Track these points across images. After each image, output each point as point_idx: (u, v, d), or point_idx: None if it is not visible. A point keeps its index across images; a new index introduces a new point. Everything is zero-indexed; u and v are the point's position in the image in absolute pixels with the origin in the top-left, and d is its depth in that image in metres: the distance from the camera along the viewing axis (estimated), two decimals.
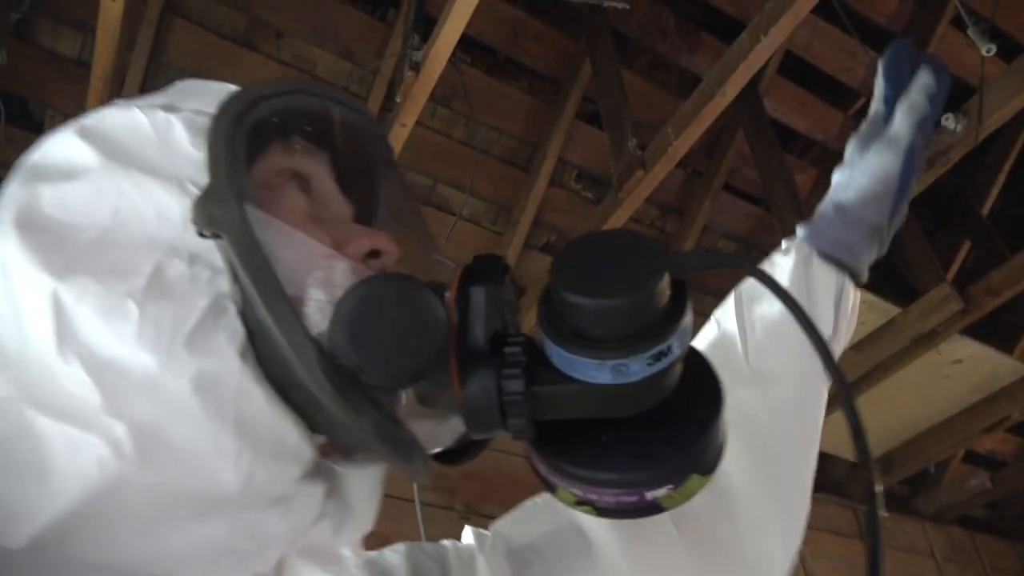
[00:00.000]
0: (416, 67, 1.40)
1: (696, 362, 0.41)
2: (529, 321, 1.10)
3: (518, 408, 0.36)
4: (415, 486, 0.55)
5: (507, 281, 0.40)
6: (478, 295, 0.38)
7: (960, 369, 2.16)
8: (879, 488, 0.34)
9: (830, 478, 2.61)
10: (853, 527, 2.53)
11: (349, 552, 0.43)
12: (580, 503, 0.39)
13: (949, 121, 1.48)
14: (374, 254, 0.43)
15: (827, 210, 0.64)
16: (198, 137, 0.39)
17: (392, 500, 0.46)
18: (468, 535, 0.55)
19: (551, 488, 0.39)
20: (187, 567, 0.34)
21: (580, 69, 2.03)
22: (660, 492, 0.37)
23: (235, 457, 0.34)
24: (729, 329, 0.62)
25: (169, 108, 0.40)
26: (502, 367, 0.36)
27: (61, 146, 0.40)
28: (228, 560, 0.35)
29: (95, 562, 0.33)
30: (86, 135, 0.40)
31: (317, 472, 0.38)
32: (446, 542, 0.54)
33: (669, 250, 0.35)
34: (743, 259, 0.38)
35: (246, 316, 0.35)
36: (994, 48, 1.13)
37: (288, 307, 0.35)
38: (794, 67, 2.16)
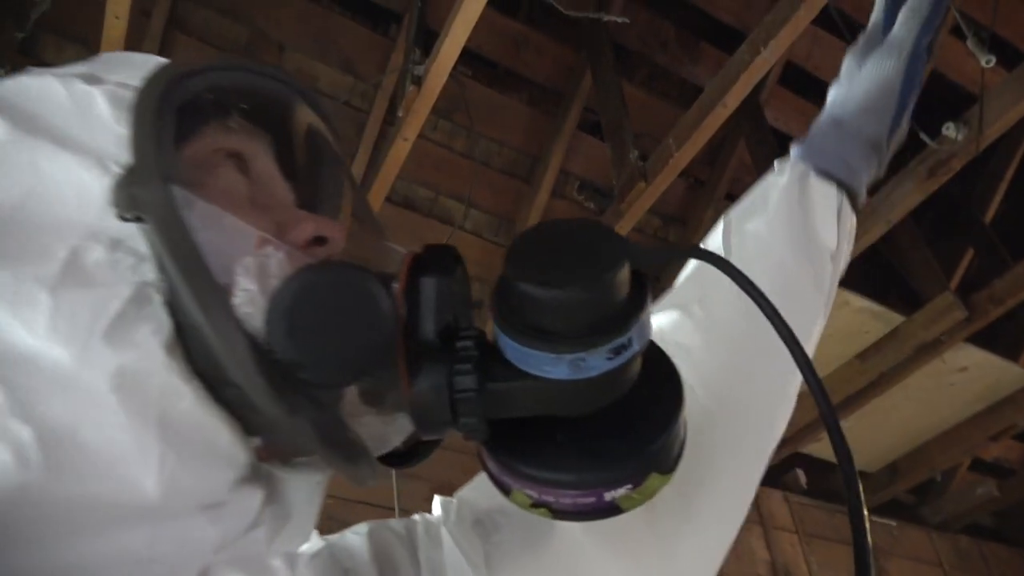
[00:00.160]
0: (418, 81, 1.41)
1: (655, 357, 0.40)
2: None
3: (470, 406, 0.34)
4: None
5: (460, 272, 0.38)
6: (428, 286, 0.35)
7: (965, 377, 2.15)
8: (866, 492, 0.33)
9: (837, 487, 2.60)
10: None
11: (280, 563, 0.41)
12: (535, 505, 0.37)
13: (950, 130, 1.48)
14: (319, 241, 0.40)
15: (823, 125, 0.60)
16: (122, 112, 0.35)
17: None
18: (436, 505, 0.52)
19: (505, 490, 0.38)
20: None
21: (581, 80, 2.03)
22: (619, 492, 0.36)
23: (158, 462, 0.31)
24: (714, 248, 0.58)
25: (90, 79, 0.37)
26: (453, 362, 0.34)
27: None
28: (153, 570, 0.32)
29: None
30: None
31: (254, 477, 0.35)
32: (416, 516, 0.52)
33: (629, 240, 0.34)
34: (705, 251, 0.36)
35: (173, 307, 0.32)
36: (993, 59, 1.14)
37: (219, 297, 0.32)
38: (795, 77, 2.17)
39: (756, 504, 2.40)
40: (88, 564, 0.31)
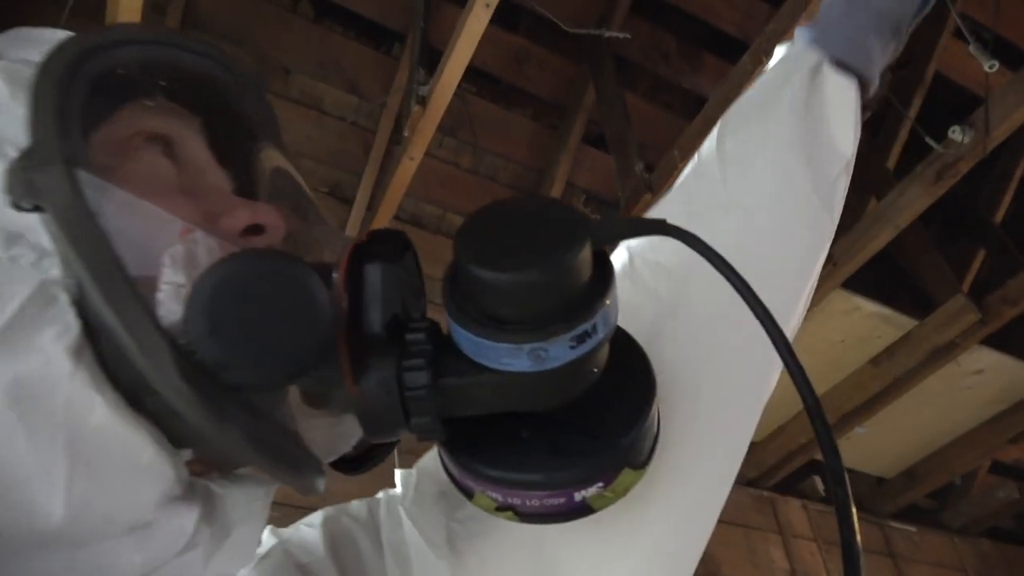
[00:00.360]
0: (422, 101, 1.42)
1: (624, 344, 0.37)
2: None
3: (422, 404, 0.31)
4: None
5: (409, 259, 0.35)
6: (373, 274, 0.32)
7: (981, 380, 2.13)
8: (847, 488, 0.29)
9: (854, 494, 2.57)
10: (879, 543, 2.49)
11: None
12: (501, 508, 0.35)
13: (956, 134, 1.48)
14: (255, 230, 0.36)
15: (837, 3, 0.52)
16: (21, 90, 0.32)
17: None
18: (397, 478, 0.48)
19: (467, 494, 0.35)
20: None
21: (584, 94, 2.04)
22: (590, 491, 0.33)
23: (65, 483, 0.27)
24: (707, 156, 0.52)
25: None
26: (403, 357, 0.31)
27: None
28: None
29: None
30: None
31: (186, 493, 0.32)
32: (380, 493, 0.48)
33: (590, 218, 0.31)
34: (674, 227, 0.32)
35: (82, 307, 0.29)
36: (996, 64, 1.13)
37: (130, 292, 0.28)
38: None
39: (774, 512, 2.38)
40: None
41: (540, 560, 0.43)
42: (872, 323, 1.97)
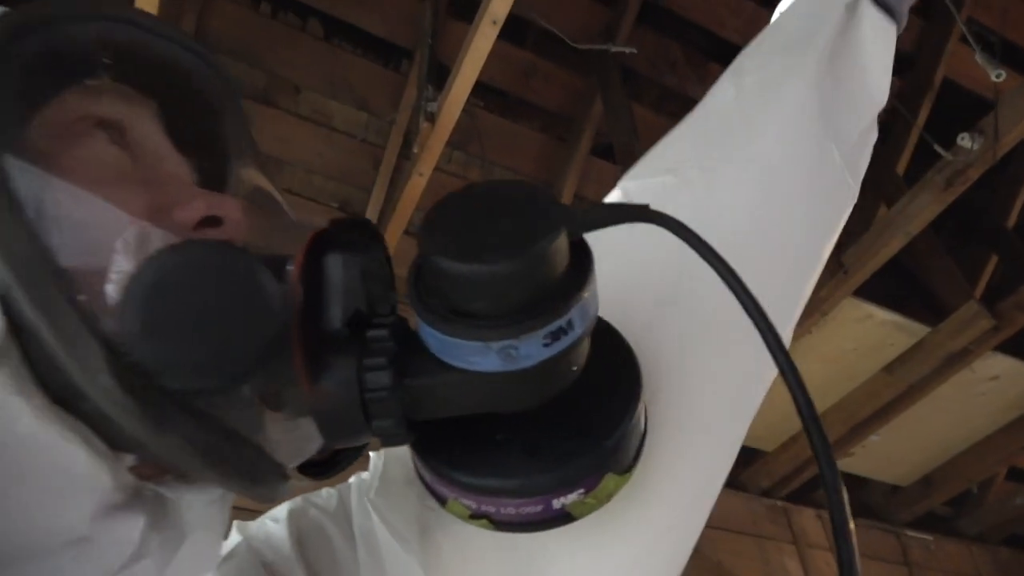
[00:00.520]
0: (431, 118, 1.43)
1: (608, 337, 0.35)
2: None
3: (385, 406, 0.29)
4: None
5: (377, 250, 0.32)
6: (334, 265, 0.30)
7: (996, 386, 2.12)
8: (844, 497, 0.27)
9: (870, 503, 2.56)
10: (896, 552, 2.47)
11: None
12: (474, 516, 0.32)
13: (965, 141, 1.47)
14: (212, 222, 0.34)
15: None
16: None
17: None
18: (372, 458, 0.45)
19: (440, 500, 0.33)
20: None
21: (591, 105, 2.05)
22: (570, 498, 0.31)
23: None
24: (724, 100, 0.48)
25: None
26: (363, 356, 0.29)
27: None
28: None
29: None
30: None
31: (131, 501, 0.29)
32: (353, 478, 0.46)
33: (566, 205, 0.29)
34: (657, 213, 0.29)
35: (7, 304, 0.26)
36: (1004, 74, 1.13)
37: (57, 289, 0.26)
38: None
39: (788, 522, 2.37)
40: None
41: (515, 552, 0.40)
42: (885, 331, 1.96)
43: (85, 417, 0.27)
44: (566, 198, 2.14)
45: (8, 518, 0.26)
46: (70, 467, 0.27)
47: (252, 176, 0.41)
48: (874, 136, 0.48)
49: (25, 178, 0.28)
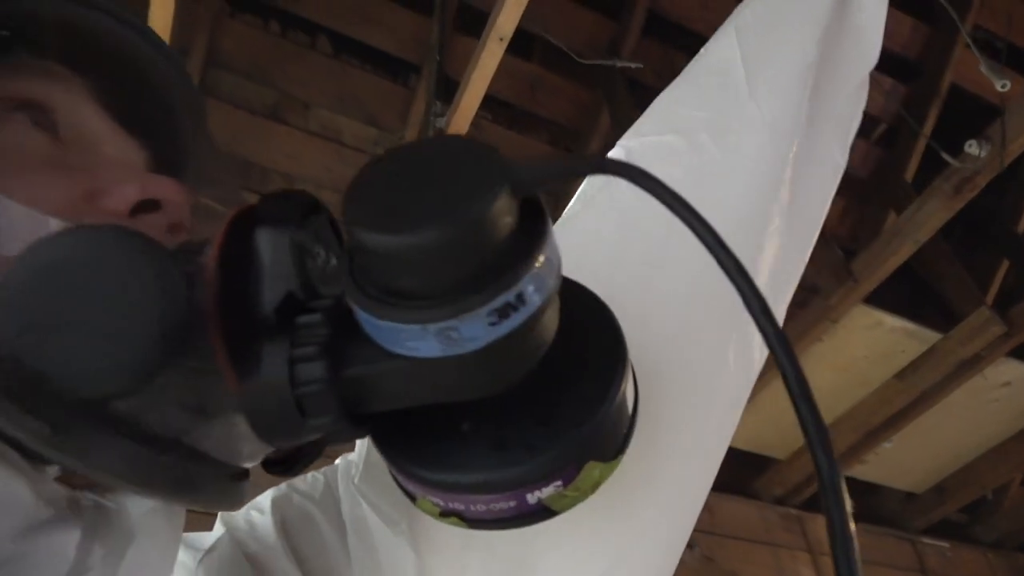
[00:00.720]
0: (440, 133, 1.45)
1: (584, 304, 0.31)
2: None
3: (321, 401, 0.26)
4: None
5: (318, 224, 0.29)
6: (261, 242, 0.27)
7: (1009, 392, 2.10)
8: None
9: (884, 510, 2.55)
10: (911, 560, 2.45)
11: None
12: (444, 514, 0.29)
13: (972, 148, 1.48)
14: (149, 206, 0.31)
15: None
16: None
17: None
18: (357, 444, 0.43)
19: (410, 497, 0.30)
20: None
21: (598, 118, 2.07)
22: (546, 492, 0.28)
23: None
24: (728, 61, 0.46)
25: None
26: (294, 346, 0.26)
27: None
28: None
29: None
30: None
31: (61, 513, 0.27)
32: (339, 460, 0.43)
33: (511, 160, 0.24)
34: (618, 162, 0.24)
35: None
36: (1008, 84, 1.14)
37: None
38: None
39: (802, 530, 2.36)
40: None
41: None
42: (896, 338, 1.96)
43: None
44: None
45: None
46: None
47: (203, 156, 0.39)
48: (865, 94, 0.47)
49: None
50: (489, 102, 2.09)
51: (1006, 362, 1.99)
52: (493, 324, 0.24)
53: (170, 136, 0.37)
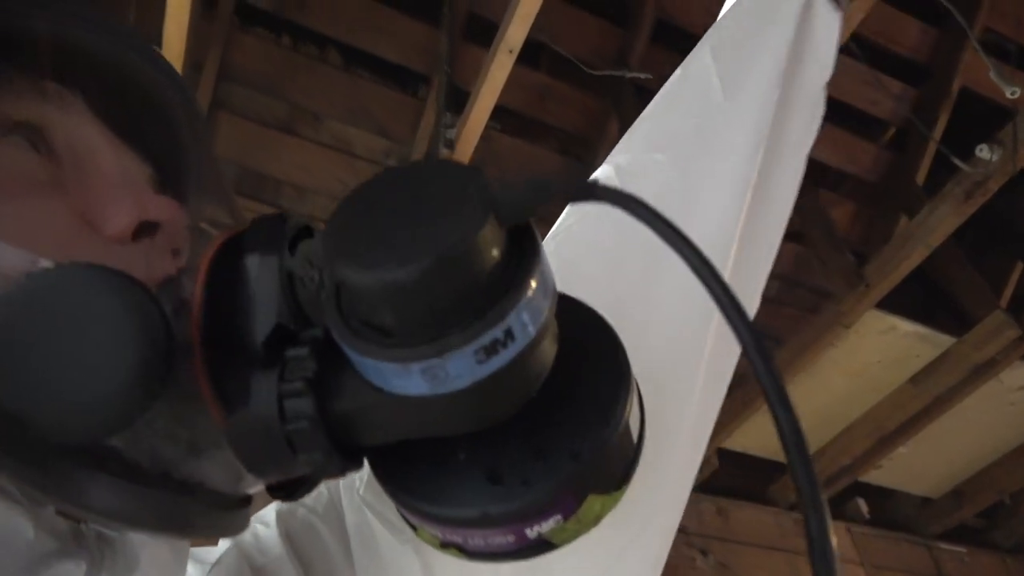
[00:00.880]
0: (451, 145, 1.46)
1: (582, 321, 0.30)
2: None
3: (310, 438, 0.25)
4: None
5: (311, 251, 0.28)
6: (250, 271, 0.26)
7: None
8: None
9: (900, 515, 2.53)
10: (929, 566, 2.43)
11: None
12: (444, 545, 0.28)
13: (984, 152, 1.47)
14: (147, 229, 0.31)
15: None
16: None
17: None
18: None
19: (411, 526, 0.29)
20: None
21: (607, 126, 2.07)
22: (545, 525, 0.26)
23: None
24: (705, 79, 0.49)
25: None
26: (282, 380, 0.25)
27: None
28: None
29: None
30: None
31: (67, 546, 0.27)
32: (342, 479, 0.43)
33: (498, 184, 0.23)
34: (606, 188, 0.23)
35: None
36: (1019, 91, 1.14)
37: None
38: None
39: None
40: None
41: None
42: (909, 342, 1.95)
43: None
44: None
45: None
46: None
47: (208, 186, 0.38)
48: (822, 106, 0.51)
49: None
50: (498, 111, 2.10)
51: (1022, 366, 1.98)
52: (480, 362, 0.23)
53: (171, 151, 0.37)
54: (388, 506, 0.40)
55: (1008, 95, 1.15)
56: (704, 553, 2.14)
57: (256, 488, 0.31)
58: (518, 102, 2.07)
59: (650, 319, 0.41)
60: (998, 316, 1.83)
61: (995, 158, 1.46)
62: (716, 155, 0.47)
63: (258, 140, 1.97)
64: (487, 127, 1.95)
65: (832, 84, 1.93)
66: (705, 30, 0.53)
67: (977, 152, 1.48)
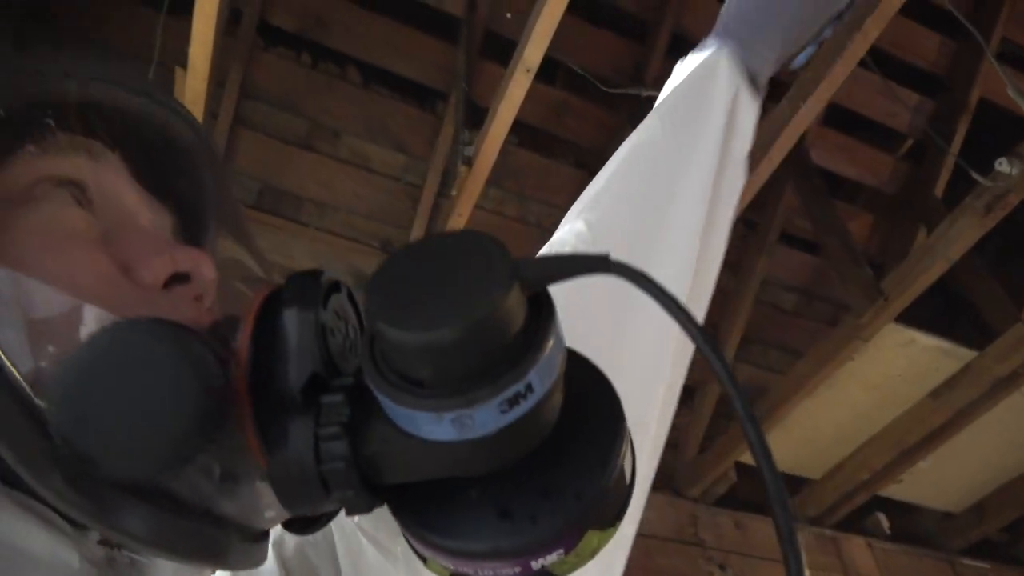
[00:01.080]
0: (468, 162, 1.48)
1: (583, 374, 0.32)
2: None
3: (344, 477, 0.28)
4: None
5: (340, 303, 0.31)
6: (286, 325, 0.29)
7: None
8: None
9: (921, 530, 2.50)
10: None
11: None
12: None
13: (1003, 166, 1.46)
14: (180, 279, 0.34)
15: (757, 22, 0.58)
16: None
17: None
18: None
19: (421, 557, 0.32)
20: None
21: (622, 140, 2.08)
22: (549, 558, 0.29)
23: None
24: (657, 146, 0.58)
25: None
26: (318, 425, 0.28)
27: None
28: None
29: None
30: None
31: (106, 572, 0.29)
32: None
33: (517, 259, 0.27)
34: (619, 263, 0.27)
35: None
36: None
37: None
38: (838, 115, 2.17)
39: (838, 552, 2.32)
40: None
41: None
42: (929, 356, 1.93)
43: (44, 500, 0.27)
44: None
45: None
46: (31, 549, 0.27)
47: (231, 233, 0.41)
48: (744, 171, 0.59)
49: None
50: (515, 126, 2.11)
51: None
52: (504, 412, 0.26)
53: (195, 201, 0.40)
54: (381, 530, 0.42)
55: None
56: (722, 567, 2.13)
57: (275, 524, 0.33)
58: (534, 117, 2.09)
59: (623, 357, 0.47)
60: (1020, 329, 1.81)
61: (1015, 171, 1.45)
62: (671, 210, 0.55)
63: (278, 156, 2.00)
64: (504, 142, 1.97)
65: (849, 95, 1.93)
66: None
67: (997, 166, 1.48)
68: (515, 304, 0.26)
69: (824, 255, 2.22)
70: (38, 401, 0.27)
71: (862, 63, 1.73)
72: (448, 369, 0.26)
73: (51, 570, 0.27)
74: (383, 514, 0.39)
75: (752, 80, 0.58)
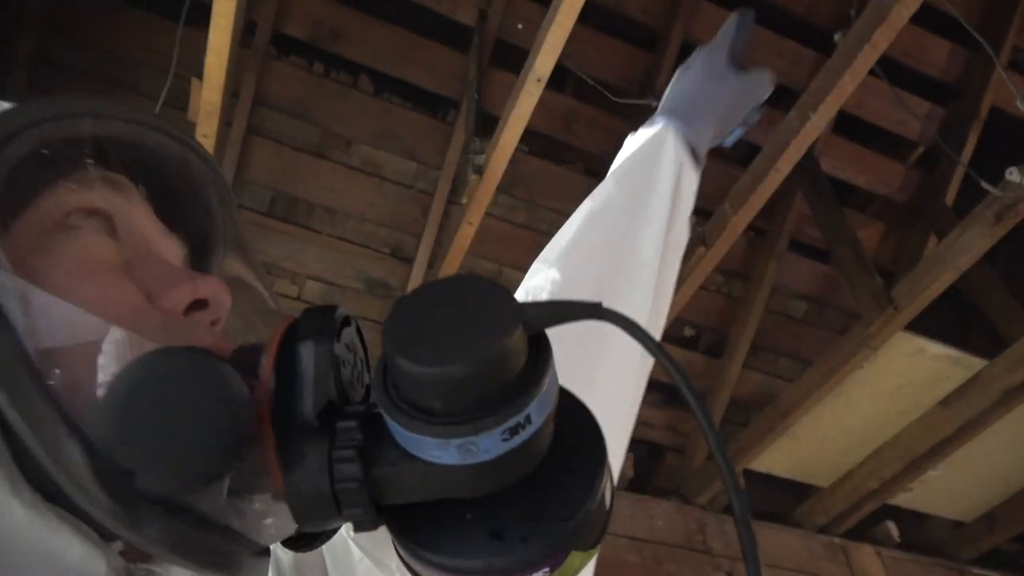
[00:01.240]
0: (479, 170, 1.49)
1: (571, 409, 0.35)
2: None
3: (354, 496, 0.31)
4: None
5: (350, 336, 0.34)
6: (304, 357, 0.32)
7: None
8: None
9: (932, 539, 2.49)
10: None
11: None
12: None
13: (1014, 175, 1.46)
14: (199, 305, 0.36)
15: (698, 105, 0.68)
16: None
17: None
18: None
19: (414, 574, 0.34)
20: None
21: None
22: None
23: None
24: (612, 210, 0.65)
25: None
26: (332, 448, 0.31)
27: None
28: None
29: None
30: None
31: None
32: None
33: (520, 303, 0.30)
34: (611, 312, 0.31)
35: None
36: None
37: (37, 394, 0.28)
38: (848, 123, 2.18)
39: (847, 560, 2.31)
40: None
41: None
42: (940, 365, 1.93)
43: (76, 510, 0.29)
44: None
45: None
46: (63, 557, 0.29)
47: (237, 260, 0.45)
48: (687, 234, 0.68)
49: (12, 283, 0.30)
50: (525, 133, 2.12)
51: None
52: (505, 440, 0.29)
53: (207, 232, 0.43)
54: (376, 543, 0.44)
55: None
56: (730, 575, 2.13)
57: (279, 540, 0.36)
58: (545, 125, 2.10)
59: (596, 384, 0.53)
60: None
61: None
62: (630, 262, 0.63)
63: (291, 164, 2.02)
64: (515, 150, 1.98)
65: (859, 104, 1.93)
66: None
67: (1007, 175, 1.48)
68: (519, 344, 0.29)
69: (834, 263, 2.22)
70: (81, 422, 0.29)
71: (872, 72, 1.74)
72: (458, 400, 0.29)
73: (77, 574, 0.29)
74: (379, 531, 0.41)
75: (693, 153, 0.67)
